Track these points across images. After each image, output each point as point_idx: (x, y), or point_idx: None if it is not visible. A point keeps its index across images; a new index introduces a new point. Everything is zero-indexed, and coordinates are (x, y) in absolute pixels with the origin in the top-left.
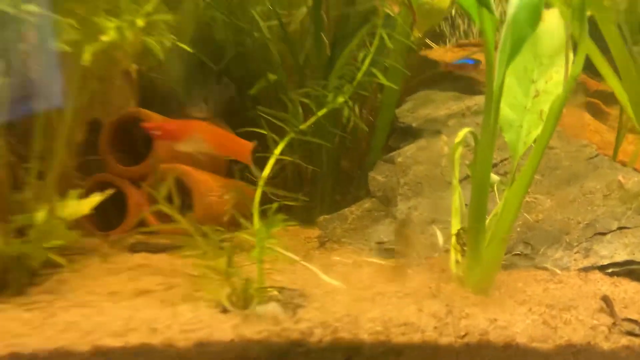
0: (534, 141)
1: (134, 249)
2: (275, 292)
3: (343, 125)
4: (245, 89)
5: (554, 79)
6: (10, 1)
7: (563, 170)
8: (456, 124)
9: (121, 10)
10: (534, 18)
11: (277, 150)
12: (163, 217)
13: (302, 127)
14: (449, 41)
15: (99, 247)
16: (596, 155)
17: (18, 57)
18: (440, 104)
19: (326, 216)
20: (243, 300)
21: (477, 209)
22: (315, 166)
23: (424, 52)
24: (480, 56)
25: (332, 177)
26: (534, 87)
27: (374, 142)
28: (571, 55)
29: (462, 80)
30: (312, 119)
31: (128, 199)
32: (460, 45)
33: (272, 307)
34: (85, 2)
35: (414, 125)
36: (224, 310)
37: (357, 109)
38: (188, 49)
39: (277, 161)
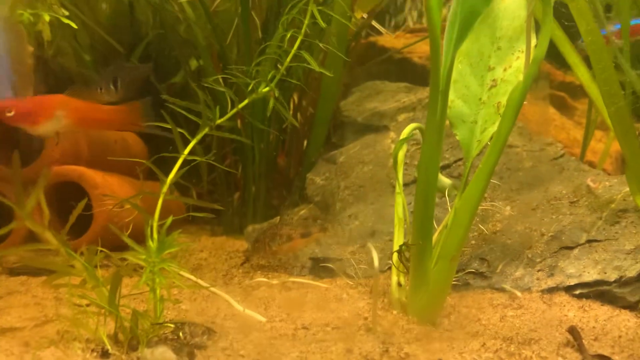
0: (490, 139)
1: (13, 270)
2: (172, 329)
3: (280, 120)
4: (164, 74)
5: (514, 66)
6: None
7: (525, 172)
8: (406, 119)
9: None
10: (475, 5)
11: (187, 150)
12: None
13: (218, 122)
14: (392, 22)
15: None
16: (562, 155)
17: None
18: (389, 96)
19: (256, 225)
20: (130, 339)
21: (423, 221)
22: (247, 166)
23: (373, 38)
24: None
25: (266, 179)
26: (491, 76)
27: (312, 138)
28: (534, 38)
29: (414, 69)
30: (231, 113)
31: (15, 209)
32: (412, 31)
33: (160, 353)
34: None
35: (359, 119)
36: (104, 354)
37: (295, 101)
38: (72, 24)
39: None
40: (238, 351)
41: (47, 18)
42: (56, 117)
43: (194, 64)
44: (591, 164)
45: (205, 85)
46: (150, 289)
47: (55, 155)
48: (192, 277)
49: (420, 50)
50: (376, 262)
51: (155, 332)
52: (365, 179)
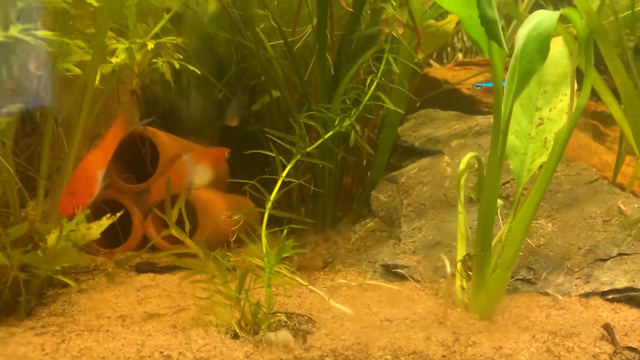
0: (540, 168)
1: (139, 268)
2: (284, 318)
3: (346, 144)
4: (247, 104)
5: (558, 107)
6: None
7: (564, 194)
8: (458, 145)
9: (130, 31)
10: (542, 51)
11: (284, 173)
12: (167, 236)
13: (309, 149)
14: (445, 57)
15: (104, 266)
16: (596, 180)
17: (27, 79)
18: (442, 124)
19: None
20: (252, 325)
21: (484, 238)
22: (318, 184)
23: (426, 70)
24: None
25: (334, 195)
26: (539, 115)
27: (376, 161)
28: (576, 86)
29: (463, 99)
30: (319, 142)
31: (132, 217)
32: (460, 64)
33: (283, 335)
34: (95, 24)
35: (416, 144)
36: (235, 336)
37: (359, 128)
38: (196, 70)
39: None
40: (339, 336)
41: (166, 67)
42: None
43: (275, 94)
44: (621, 186)
45: (294, 119)
46: (266, 285)
47: (167, 174)
48: (295, 277)
49: (468, 82)
50: (448, 269)
51: (269, 320)
52: (425, 198)
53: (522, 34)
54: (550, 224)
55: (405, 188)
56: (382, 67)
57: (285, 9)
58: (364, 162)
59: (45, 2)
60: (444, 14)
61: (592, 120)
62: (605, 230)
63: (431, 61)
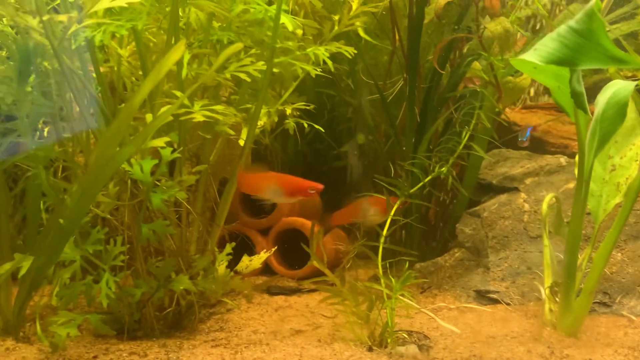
0: (613, 208)
1: (270, 291)
2: (404, 335)
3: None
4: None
5: (628, 155)
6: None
7: (630, 227)
8: (532, 182)
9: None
10: (620, 115)
11: (392, 211)
12: (284, 262)
13: (412, 191)
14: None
15: (239, 289)
16: None
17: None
18: (515, 162)
19: (422, 264)
20: (380, 341)
21: (570, 267)
22: (408, 217)
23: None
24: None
25: (421, 227)
26: (611, 162)
27: (460, 197)
28: None
29: (531, 140)
30: (419, 185)
31: (256, 246)
32: (526, 107)
33: (413, 348)
34: (239, 93)
35: (493, 182)
36: (370, 349)
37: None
38: (320, 129)
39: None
40: (455, 350)
41: (291, 125)
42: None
43: (361, 138)
44: None
45: (401, 166)
46: (390, 308)
47: (285, 211)
48: (413, 303)
49: (536, 125)
50: (544, 294)
51: (393, 336)
52: (507, 231)
53: (602, 100)
54: (619, 254)
55: (489, 222)
56: (473, 121)
57: (373, 63)
58: (447, 198)
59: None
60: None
61: None
62: None
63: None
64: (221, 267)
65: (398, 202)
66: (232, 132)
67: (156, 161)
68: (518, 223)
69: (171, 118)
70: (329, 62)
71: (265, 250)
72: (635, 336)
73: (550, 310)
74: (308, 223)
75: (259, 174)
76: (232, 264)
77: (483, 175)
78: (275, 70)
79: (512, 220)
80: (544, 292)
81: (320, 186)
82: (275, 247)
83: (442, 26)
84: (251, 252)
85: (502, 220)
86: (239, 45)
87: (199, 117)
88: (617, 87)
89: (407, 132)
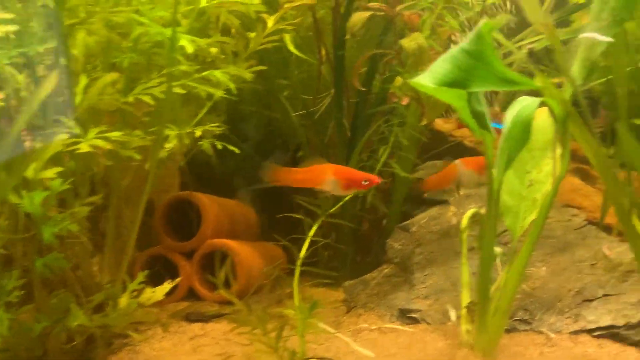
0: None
1: (189, 317)
2: None
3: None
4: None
5: (544, 170)
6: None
7: (556, 239)
8: (464, 195)
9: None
10: (525, 133)
11: (311, 233)
12: (210, 286)
13: (332, 210)
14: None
15: (158, 316)
16: (585, 225)
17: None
18: None
19: (350, 282)
20: None
21: (483, 286)
22: (339, 236)
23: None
24: None
25: (353, 242)
26: (528, 177)
27: (390, 211)
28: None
29: (466, 152)
30: (340, 203)
31: (180, 270)
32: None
33: None
34: (152, 115)
35: (425, 195)
36: None
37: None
38: (235, 150)
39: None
40: None
41: (207, 146)
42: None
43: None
44: (609, 226)
45: None
46: (300, 336)
47: (209, 232)
48: (327, 327)
49: (470, 135)
50: (453, 317)
51: None
52: (434, 246)
53: (509, 118)
54: (544, 268)
55: (417, 237)
56: (392, 139)
57: (304, 77)
58: (381, 212)
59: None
60: None
61: (582, 165)
62: (592, 273)
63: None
64: (122, 301)
65: (317, 224)
66: (138, 157)
67: (47, 193)
68: (445, 238)
69: (60, 148)
70: (231, 85)
71: (169, 280)
72: (550, 354)
73: (467, 330)
74: (233, 244)
75: (315, 167)
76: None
77: (416, 188)
78: (181, 91)
79: (439, 234)
80: (453, 313)
81: (376, 179)
82: (197, 271)
83: (367, 41)
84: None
85: (430, 234)
86: (113, 76)
87: (84, 148)
88: (523, 105)
89: (338, 146)
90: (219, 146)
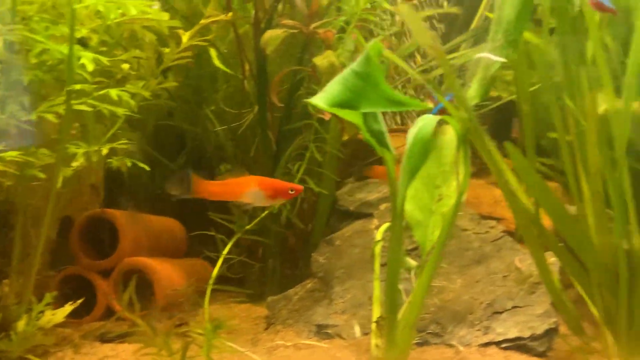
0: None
1: (103, 338)
2: None
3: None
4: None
5: (453, 185)
6: None
7: (473, 251)
8: (386, 208)
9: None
10: (425, 151)
11: (225, 251)
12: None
13: (248, 227)
14: None
15: (71, 338)
16: (501, 237)
17: None
18: (374, 188)
19: (274, 297)
20: None
21: (391, 301)
22: (266, 246)
23: (359, 136)
24: None
25: (280, 256)
26: (438, 192)
27: (316, 224)
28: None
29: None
30: (256, 220)
31: (96, 289)
32: (392, 131)
33: None
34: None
35: (351, 208)
36: None
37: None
38: (146, 167)
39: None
40: None
41: (119, 163)
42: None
43: (225, 167)
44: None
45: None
46: (205, 355)
47: (127, 250)
48: (235, 346)
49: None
50: (358, 333)
51: None
52: (355, 260)
53: (410, 135)
54: (460, 280)
55: (340, 250)
56: (307, 155)
57: (232, 92)
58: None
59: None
60: None
61: None
62: (504, 285)
63: None
64: (20, 325)
65: (232, 241)
66: (42, 176)
67: None
68: (366, 251)
69: None
70: (131, 102)
71: (71, 302)
72: None
73: (377, 345)
74: (150, 262)
75: (238, 179)
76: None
77: (342, 201)
78: (86, 108)
79: (361, 248)
80: (357, 329)
81: (301, 187)
82: (116, 290)
83: (289, 57)
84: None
85: (352, 248)
86: None
87: None
88: (423, 123)
89: (262, 161)
90: (128, 163)
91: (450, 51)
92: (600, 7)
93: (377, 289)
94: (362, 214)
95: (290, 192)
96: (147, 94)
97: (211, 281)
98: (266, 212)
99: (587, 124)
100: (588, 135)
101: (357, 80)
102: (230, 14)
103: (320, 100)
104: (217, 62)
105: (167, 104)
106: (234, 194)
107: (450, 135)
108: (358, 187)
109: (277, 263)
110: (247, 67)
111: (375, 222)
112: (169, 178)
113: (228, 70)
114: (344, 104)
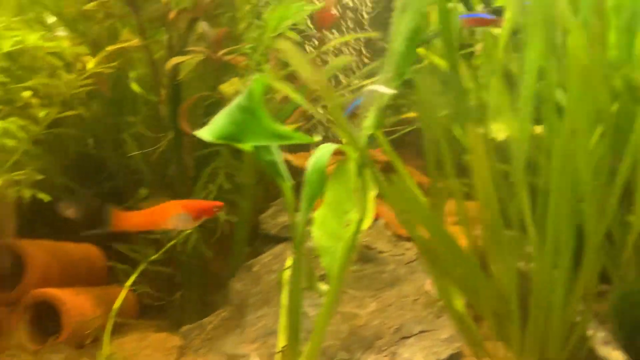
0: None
1: None
2: None
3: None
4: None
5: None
6: None
7: (389, 273)
8: (305, 232)
9: None
10: (321, 180)
11: (128, 282)
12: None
13: (153, 257)
14: None
15: None
16: (415, 259)
17: None
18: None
19: (189, 326)
20: None
21: (292, 329)
22: (184, 273)
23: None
24: None
25: (199, 283)
26: (346, 217)
27: (235, 249)
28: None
29: None
30: (163, 250)
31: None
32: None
33: None
34: None
35: (272, 232)
36: None
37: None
38: (45, 198)
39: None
40: None
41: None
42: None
43: (144, 192)
44: None
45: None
46: None
47: (34, 280)
48: None
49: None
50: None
51: None
52: (272, 286)
53: (310, 164)
54: (374, 304)
55: (257, 276)
56: (218, 181)
57: (152, 115)
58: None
59: None
60: None
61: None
62: (413, 309)
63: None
64: None
65: (137, 272)
66: None
67: None
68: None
69: None
70: (23, 134)
71: None
72: None
73: None
74: (59, 293)
75: (159, 206)
76: None
77: (265, 225)
78: None
79: (278, 273)
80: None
81: (221, 204)
82: (24, 323)
83: (203, 83)
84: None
85: (269, 274)
86: None
87: None
88: (320, 152)
89: (178, 185)
90: (28, 194)
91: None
92: (481, 22)
93: (283, 316)
94: (283, 238)
95: (214, 209)
96: (36, 128)
97: (113, 313)
98: (172, 243)
99: (474, 152)
100: (476, 163)
101: (241, 113)
102: (139, 39)
103: (206, 132)
104: (134, 86)
105: (92, 129)
106: (158, 222)
107: None
108: (281, 209)
109: (195, 291)
110: (162, 91)
111: None
112: (64, 201)
113: (145, 94)
114: (228, 137)
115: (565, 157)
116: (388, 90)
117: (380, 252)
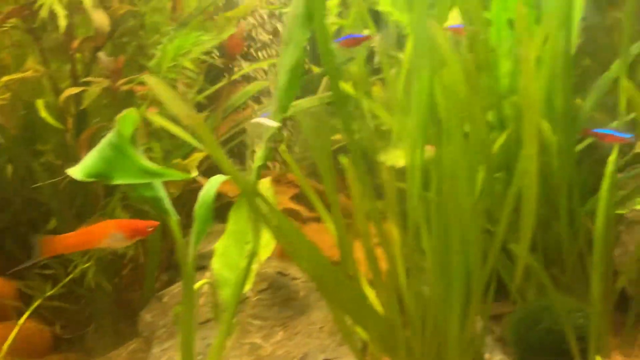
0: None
1: None
2: None
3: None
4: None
5: (265, 239)
6: None
7: (300, 301)
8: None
9: None
10: (209, 214)
11: (22, 320)
12: None
13: (50, 293)
14: None
15: None
16: None
17: None
18: (213, 238)
19: (99, 359)
20: None
21: None
22: (95, 304)
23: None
24: None
25: (110, 314)
26: (247, 248)
27: (146, 280)
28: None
29: None
30: (59, 285)
31: None
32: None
33: None
34: None
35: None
36: None
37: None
38: None
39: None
40: None
41: None
42: None
43: (53, 223)
44: None
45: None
46: None
47: None
48: None
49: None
50: None
51: None
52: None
53: (199, 197)
54: (281, 332)
55: (166, 308)
56: (117, 209)
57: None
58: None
59: None
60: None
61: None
62: (319, 337)
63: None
64: None
65: (32, 308)
66: None
67: None
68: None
69: None
70: None
71: None
72: None
73: None
74: None
75: (92, 226)
76: None
77: (180, 253)
78: None
79: (174, 308)
80: None
81: (156, 223)
82: None
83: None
84: None
85: (178, 305)
86: None
87: None
88: (208, 186)
89: (87, 215)
90: None
91: None
92: (355, 42)
93: (178, 352)
94: (198, 266)
95: (148, 229)
96: None
97: (5, 346)
98: (69, 278)
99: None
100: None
101: (111, 151)
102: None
103: (77, 170)
104: (44, 114)
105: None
106: (92, 242)
107: (263, 188)
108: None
109: (107, 323)
110: (69, 120)
111: (208, 274)
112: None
113: (54, 123)
114: (99, 175)
115: (450, 184)
116: (273, 123)
117: (294, 278)
